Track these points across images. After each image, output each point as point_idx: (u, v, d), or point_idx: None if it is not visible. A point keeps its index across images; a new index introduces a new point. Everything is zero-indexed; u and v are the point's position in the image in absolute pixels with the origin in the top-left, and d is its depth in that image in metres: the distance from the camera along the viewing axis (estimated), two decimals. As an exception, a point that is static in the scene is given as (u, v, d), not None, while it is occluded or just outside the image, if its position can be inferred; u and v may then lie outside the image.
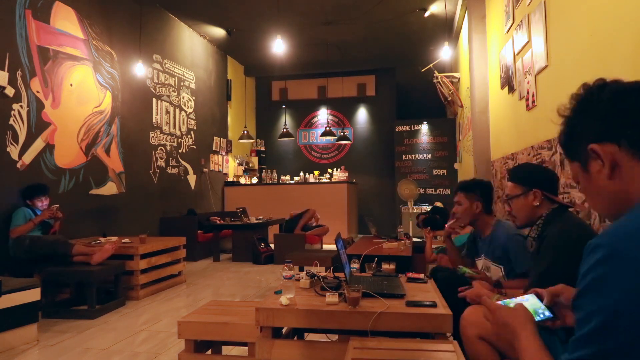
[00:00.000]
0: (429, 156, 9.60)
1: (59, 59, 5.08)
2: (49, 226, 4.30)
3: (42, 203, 4.29)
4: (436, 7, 7.28)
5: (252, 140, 10.08)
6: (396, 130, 9.87)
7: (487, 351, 1.67)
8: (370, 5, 7.11)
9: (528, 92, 3.56)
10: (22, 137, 4.53)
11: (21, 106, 4.53)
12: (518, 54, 3.86)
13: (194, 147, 8.23)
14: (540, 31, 3.19)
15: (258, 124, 11.34)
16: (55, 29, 5.05)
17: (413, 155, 9.71)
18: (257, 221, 7.19)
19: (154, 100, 7.06)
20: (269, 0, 6.87)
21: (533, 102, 3.44)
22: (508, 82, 4.27)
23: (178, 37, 7.89)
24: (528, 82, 3.55)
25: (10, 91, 4.34)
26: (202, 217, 7.36)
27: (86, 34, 5.55)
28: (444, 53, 7.24)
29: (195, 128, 8.29)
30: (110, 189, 5.90)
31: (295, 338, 2.47)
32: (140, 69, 6.40)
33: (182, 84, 7.94)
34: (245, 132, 9.44)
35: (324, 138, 10.17)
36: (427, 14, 7.43)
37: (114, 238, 4.76)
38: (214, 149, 9.01)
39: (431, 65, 7.76)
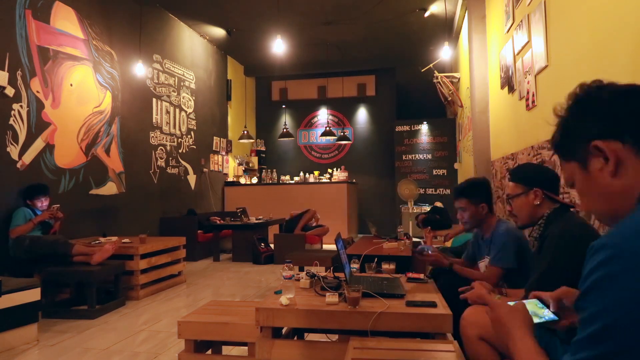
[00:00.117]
0: (429, 156, 9.60)
1: (59, 59, 5.08)
2: (49, 226, 4.30)
3: (42, 203, 4.29)
4: (436, 7, 7.27)
5: (252, 140, 10.09)
6: (396, 130, 9.87)
7: (487, 351, 1.67)
8: (370, 5, 7.11)
9: (528, 92, 3.56)
10: (22, 137, 4.53)
11: (21, 106, 4.53)
12: (518, 54, 3.86)
13: (194, 147, 8.23)
14: (540, 31, 3.19)
15: (258, 124, 11.34)
16: (55, 29, 5.05)
17: (413, 155, 9.71)
18: (257, 221, 7.19)
19: (154, 100, 7.06)
20: (269, 0, 6.87)
21: (533, 102, 3.44)
22: (508, 82, 4.27)
23: (178, 37, 7.89)
24: (528, 82, 3.55)
25: (10, 91, 4.34)
26: (202, 217, 7.36)
27: (86, 34, 5.55)
28: (444, 53, 7.24)
29: (195, 128, 8.29)
30: (110, 189, 5.90)
31: (295, 338, 2.47)
32: (140, 69, 6.40)
33: (182, 84, 7.94)
34: (245, 132, 9.44)
35: (324, 138, 10.17)
36: (427, 14, 7.43)
37: (114, 238, 4.76)
38: (214, 149, 9.01)
39: (431, 65, 7.76)
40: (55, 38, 5.03)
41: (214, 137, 9.06)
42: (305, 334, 2.71)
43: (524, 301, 1.19)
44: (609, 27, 2.18)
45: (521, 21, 3.71)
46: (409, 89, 10.82)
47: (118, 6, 6.23)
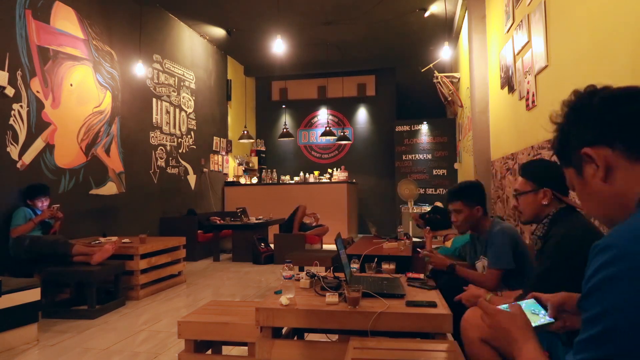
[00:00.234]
0: (429, 156, 9.60)
1: (59, 59, 5.08)
2: (49, 226, 4.30)
3: (42, 203, 4.29)
4: (436, 7, 7.28)
5: (252, 140, 10.09)
6: (396, 130, 9.87)
7: (489, 353, 1.66)
8: (370, 5, 7.11)
9: (528, 92, 3.56)
10: (22, 137, 4.53)
11: (21, 106, 4.53)
12: (518, 54, 3.86)
13: (194, 147, 8.23)
14: (540, 31, 3.19)
15: (258, 124, 11.34)
16: (55, 29, 5.05)
17: (413, 155, 9.71)
18: (257, 221, 7.19)
19: (154, 100, 7.06)
20: (269, 0, 6.87)
21: (533, 102, 3.44)
22: (508, 82, 4.27)
23: (178, 37, 7.89)
24: (528, 82, 3.55)
25: (10, 91, 4.34)
26: (202, 217, 7.36)
27: (86, 34, 5.55)
28: (444, 53, 7.24)
29: (195, 128, 8.29)
30: (110, 189, 5.90)
31: (295, 338, 2.47)
32: (140, 69, 6.40)
33: (182, 84, 7.94)
34: (245, 132, 9.44)
35: (324, 138, 10.17)
36: (427, 14, 7.43)
37: (114, 238, 4.76)
38: (214, 149, 9.01)
39: (431, 65, 7.75)
40: (55, 38, 5.03)
41: (214, 137, 9.06)
42: (305, 334, 2.71)
43: (521, 302, 1.19)
44: (608, 27, 2.18)
45: (521, 21, 3.71)
46: (409, 89, 10.82)
47: (118, 6, 6.23)
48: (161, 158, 7.16)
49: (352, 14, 7.50)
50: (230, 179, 9.58)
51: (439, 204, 6.88)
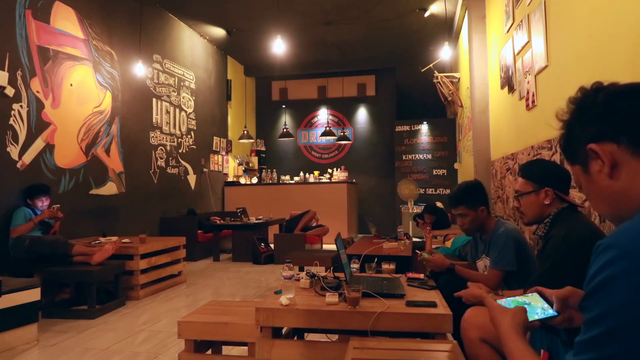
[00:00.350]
0: (429, 156, 9.60)
1: (59, 59, 5.08)
2: (49, 226, 4.30)
3: (42, 203, 4.29)
4: (436, 7, 7.28)
5: (252, 140, 10.09)
6: (396, 130, 9.87)
7: (488, 353, 1.66)
8: (370, 5, 7.11)
9: (528, 92, 3.56)
10: (22, 137, 4.53)
11: (21, 106, 4.53)
12: (518, 54, 3.86)
13: (194, 147, 8.23)
14: (540, 31, 3.19)
15: (258, 124, 11.34)
16: (55, 29, 5.05)
17: (413, 155, 9.71)
18: (257, 221, 7.19)
19: (154, 100, 7.06)
20: (269, 0, 6.87)
21: (533, 102, 3.44)
22: (508, 82, 4.27)
23: (178, 37, 7.89)
24: (528, 82, 3.55)
25: (10, 91, 4.34)
26: (202, 217, 7.36)
27: (86, 34, 5.55)
28: (444, 53, 7.24)
29: (195, 128, 8.29)
30: (110, 189, 5.90)
31: (295, 338, 2.47)
32: (140, 69, 6.40)
33: (182, 84, 7.94)
34: (245, 132, 9.45)
35: (324, 138, 10.17)
36: (427, 14, 7.43)
37: (114, 238, 4.76)
38: (214, 149, 9.01)
39: (431, 65, 7.76)
40: (55, 38, 5.03)
41: (214, 137, 9.06)
42: (305, 334, 2.71)
43: (524, 295, 1.18)
44: (608, 27, 2.18)
45: (521, 21, 3.71)
46: (409, 89, 10.82)
47: (118, 6, 6.23)
48: (161, 158, 7.16)
49: (352, 14, 7.51)
50: (230, 179, 9.59)
51: (439, 204, 6.88)
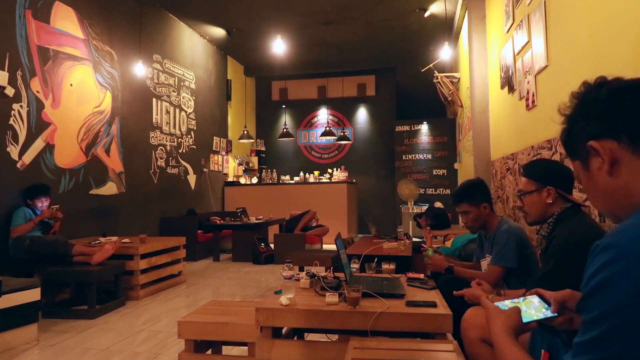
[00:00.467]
0: (429, 156, 9.60)
1: (59, 59, 5.08)
2: (49, 226, 4.30)
3: (42, 203, 4.29)
4: (436, 7, 7.27)
5: (252, 140, 10.09)
6: (396, 130, 9.87)
7: (488, 354, 1.66)
8: (370, 5, 7.11)
9: (528, 92, 3.56)
10: (22, 137, 4.53)
11: (21, 106, 4.53)
12: (518, 54, 3.86)
13: (194, 147, 8.23)
14: (540, 31, 3.19)
15: (258, 124, 11.34)
16: (55, 29, 5.05)
17: (413, 155, 9.71)
18: (257, 221, 7.19)
19: (154, 100, 7.06)
20: (269, 0, 6.88)
21: (533, 102, 3.44)
22: (508, 82, 4.27)
23: (178, 37, 7.89)
24: (528, 82, 3.55)
25: (10, 91, 4.34)
26: (202, 217, 7.36)
27: (86, 34, 5.55)
28: (444, 53, 7.24)
29: (195, 128, 8.29)
30: (110, 189, 5.90)
31: (295, 338, 2.47)
32: (140, 69, 6.40)
33: (182, 84, 7.94)
34: (245, 132, 9.45)
35: (324, 138, 10.17)
36: (427, 14, 7.43)
37: (114, 238, 4.76)
38: (214, 149, 9.01)
39: (431, 65, 7.76)
40: (55, 38, 5.03)
41: (214, 137, 9.06)
42: (305, 334, 2.71)
43: (523, 297, 1.18)
44: (608, 27, 2.18)
45: (521, 21, 3.71)
46: (409, 89, 10.83)
47: (118, 6, 6.23)
48: (161, 158, 7.16)
49: (352, 14, 7.50)
50: (230, 179, 9.59)
51: (439, 204, 6.88)
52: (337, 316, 1.90)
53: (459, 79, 7.94)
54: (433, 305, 1.93)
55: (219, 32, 8.49)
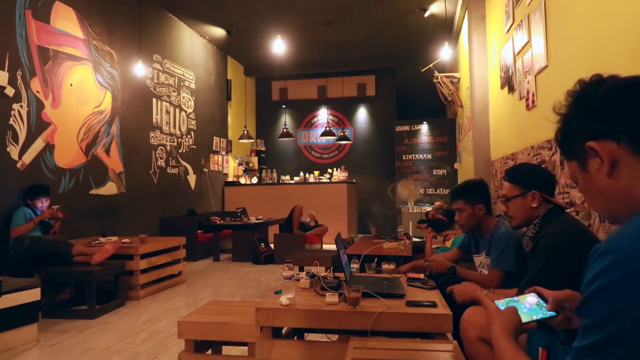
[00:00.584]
0: (429, 156, 9.60)
1: (59, 59, 5.08)
2: (49, 226, 4.30)
3: (42, 203, 4.29)
4: (436, 7, 7.28)
5: (252, 140, 10.09)
6: (396, 130, 9.87)
7: (488, 353, 1.66)
8: (370, 5, 7.11)
9: (528, 92, 3.56)
10: (22, 137, 4.53)
11: (21, 106, 4.53)
12: (518, 54, 3.86)
13: (194, 147, 8.23)
14: (540, 31, 3.19)
15: (258, 124, 11.34)
16: (55, 29, 5.05)
17: (413, 155, 9.71)
18: (257, 221, 7.19)
19: (154, 100, 7.06)
20: (269, 0, 6.88)
21: (533, 102, 3.44)
22: (508, 82, 4.27)
23: (178, 37, 7.89)
24: (528, 82, 3.55)
25: (10, 91, 4.34)
26: (202, 217, 7.36)
27: (86, 34, 5.55)
28: (444, 53, 7.24)
29: (195, 128, 8.29)
30: (110, 189, 5.90)
31: (295, 338, 2.47)
32: (140, 69, 6.40)
33: (182, 84, 7.94)
34: (245, 132, 9.45)
35: (324, 138, 10.18)
36: (427, 14, 7.43)
37: (114, 238, 4.76)
38: (214, 149, 9.01)
39: (431, 65, 7.76)
40: (55, 38, 5.03)
41: (214, 137, 9.06)
42: (305, 334, 2.71)
43: (521, 296, 1.18)
44: (608, 27, 2.18)
45: (521, 21, 3.71)
46: (409, 89, 10.82)
47: (118, 6, 6.23)
48: (161, 158, 7.16)
49: (352, 14, 7.51)
50: (230, 179, 9.59)
51: (438, 203, 6.86)
52: (337, 316, 1.90)
53: (459, 79, 7.95)
54: (433, 305, 1.93)
55: (219, 32, 8.49)
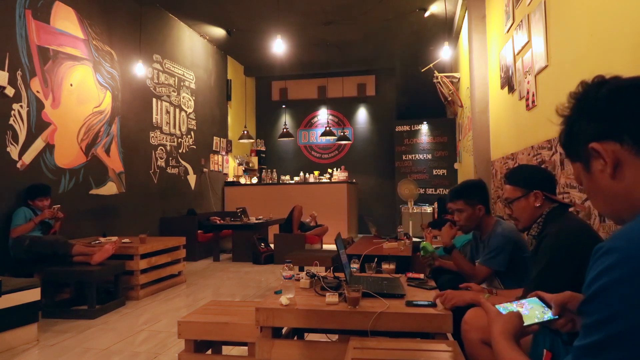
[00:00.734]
0: (429, 156, 9.61)
1: (59, 59, 5.08)
2: (49, 226, 4.30)
3: (42, 203, 4.29)
4: (436, 7, 7.27)
5: (252, 140, 10.09)
6: (396, 130, 9.87)
7: (489, 356, 1.66)
8: (370, 5, 7.11)
9: (528, 92, 3.56)
10: (22, 137, 4.53)
11: (21, 106, 4.53)
12: (518, 54, 3.86)
13: (194, 147, 8.23)
14: (540, 31, 3.19)
15: (258, 124, 11.34)
16: (55, 29, 5.05)
17: (413, 155, 9.72)
18: (257, 221, 7.19)
19: (154, 100, 7.06)
20: (269, 0, 6.87)
21: (533, 102, 3.44)
22: (508, 82, 4.27)
23: (178, 37, 7.89)
24: (528, 82, 3.55)
25: (10, 91, 4.34)
26: (202, 217, 7.36)
27: (86, 34, 5.55)
28: (444, 53, 7.24)
29: (195, 128, 8.29)
30: (110, 189, 5.90)
31: (295, 338, 2.47)
32: (140, 69, 6.40)
33: (182, 84, 7.94)
34: (245, 132, 9.45)
35: (324, 138, 10.17)
36: (427, 14, 7.43)
37: (114, 238, 4.76)
38: (214, 149, 9.01)
39: (431, 65, 7.76)
40: (55, 38, 5.02)
41: (214, 137, 9.06)
42: (305, 334, 2.71)
43: (524, 300, 1.18)
44: (608, 27, 2.18)
45: (521, 21, 3.72)
46: (409, 89, 10.82)
47: (118, 6, 6.23)
48: (161, 158, 7.16)
49: (352, 14, 7.50)
50: (230, 179, 9.59)
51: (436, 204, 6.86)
52: (337, 316, 1.90)
53: (459, 79, 7.94)
54: (433, 305, 1.93)
55: (219, 32, 8.48)
